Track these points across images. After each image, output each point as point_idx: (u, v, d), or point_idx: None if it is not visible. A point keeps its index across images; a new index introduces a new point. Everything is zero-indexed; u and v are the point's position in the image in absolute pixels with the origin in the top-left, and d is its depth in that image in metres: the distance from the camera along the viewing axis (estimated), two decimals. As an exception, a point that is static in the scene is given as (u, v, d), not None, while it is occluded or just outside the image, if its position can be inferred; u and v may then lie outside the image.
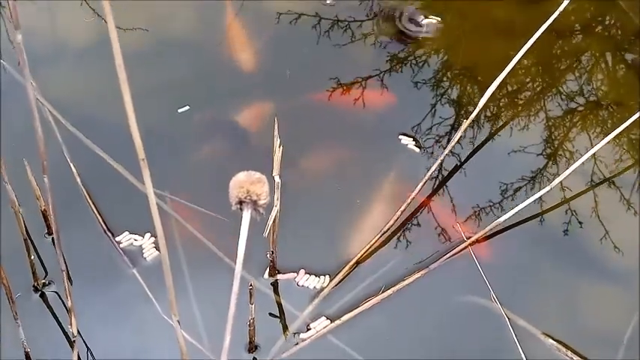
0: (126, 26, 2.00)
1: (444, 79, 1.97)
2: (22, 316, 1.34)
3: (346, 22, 2.08)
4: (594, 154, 1.69)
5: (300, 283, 1.52)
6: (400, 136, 1.80)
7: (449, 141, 1.77)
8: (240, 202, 0.95)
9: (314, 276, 1.53)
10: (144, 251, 1.55)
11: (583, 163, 1.63)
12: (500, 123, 1.85)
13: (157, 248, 1.54)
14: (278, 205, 1.37)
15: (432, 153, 1.77)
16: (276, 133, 1.36)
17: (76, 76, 1.95)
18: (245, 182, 0.94)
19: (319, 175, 1.72)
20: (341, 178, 1.71)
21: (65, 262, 1.23)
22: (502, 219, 1.55)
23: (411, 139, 1.79)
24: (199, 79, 1.92)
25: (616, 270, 1.57)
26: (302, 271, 1.53)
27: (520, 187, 1.70)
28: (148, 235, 1.58)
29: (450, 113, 1.87)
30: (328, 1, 1.79)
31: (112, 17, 0.75)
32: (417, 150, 1.78)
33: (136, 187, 1.61)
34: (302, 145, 1.75)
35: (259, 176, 0.96)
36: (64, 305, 1.47)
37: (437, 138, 1.81)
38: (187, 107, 1.82)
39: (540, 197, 1.62)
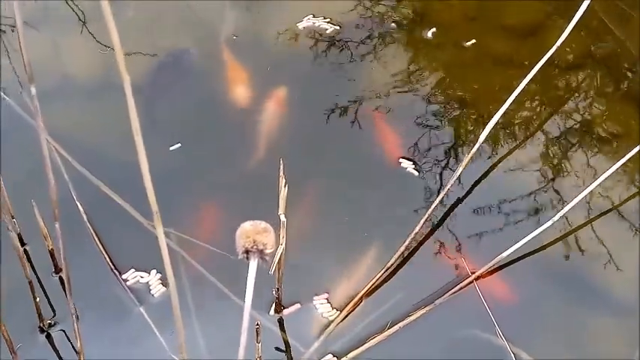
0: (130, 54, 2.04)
1: (444, 108, 1.98)
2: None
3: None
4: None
5: (316, 305, 1.54)
6: (400, 159, 1.83)
7: (446, 166, 1.80)
8: (247, 252, 0.96)
9: (329, 305, 1.54)
10: (151, 288, 1.56)
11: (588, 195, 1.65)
12: (500, 154, 1.86)
13: (164, 284, 1.56)
14: (283, 244, 1.38)
15: (431, 176, 1.79)
16: (281, 172, 1.38)
17: (80, 110, 1.97)
18: (251, 232, 0.96)
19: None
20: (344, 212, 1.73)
21: (75, 309, 1.25)
22: (505, 253, 1.56)
23: (411, 162, 1.82)
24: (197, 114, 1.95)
25: (621, 302, 1.57)
26: (326, 295, 1.56)
27: (522, 219, 1.71)
28: (154, 271, 1.59)
29: (450, 142, 1.89)
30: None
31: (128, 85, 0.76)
32: (416, 173, 1.80)
33: (138, 222, 1.63)
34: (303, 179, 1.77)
35: (265, 226, 0.97)
36: (72, 345, 1.48)
37: (436, 163, 1.83)
38: (179, 145, 1.84)
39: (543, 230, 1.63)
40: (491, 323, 1.50)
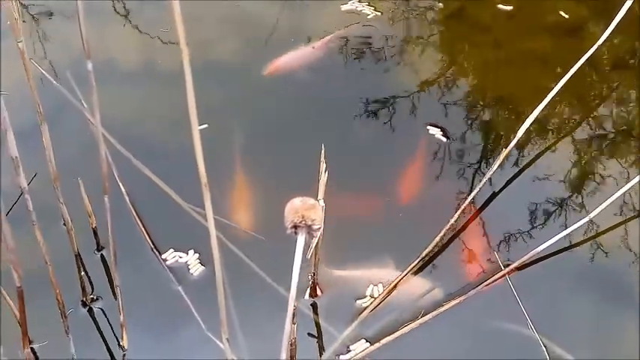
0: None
1: (478, 105, 2.00)
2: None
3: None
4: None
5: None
6: (428, 127, 1.87)
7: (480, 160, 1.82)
8: (295, 227, 0.99)
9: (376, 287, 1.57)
10: (190, 267, 1.61)
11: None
12: (534, 153, 1.87)
13: (202, 264, 1.61)
14: (321, 229, 1.40)
15: (463, 167, 1.82)
16: (322, 157, 1.40)
17: (123, 94, 2.01)
18: (300, 208, 0.99)
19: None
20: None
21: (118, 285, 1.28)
22: (540, 248, 1.57)
23: (439, 129, 1.86)
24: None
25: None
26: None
27: (555, 216, 1.73)
28: (191, 251, 1.63)
29: (484, 137, 1.91)
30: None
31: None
32: (445, 140, 1.84)
33: (175, 204, 1.66)
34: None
35: (314, 202, 1.00)
36: (108, 321, 1.51)
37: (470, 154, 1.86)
38: (206, 125, 1.86)
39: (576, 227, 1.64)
40: (522, 316, 1.51)
